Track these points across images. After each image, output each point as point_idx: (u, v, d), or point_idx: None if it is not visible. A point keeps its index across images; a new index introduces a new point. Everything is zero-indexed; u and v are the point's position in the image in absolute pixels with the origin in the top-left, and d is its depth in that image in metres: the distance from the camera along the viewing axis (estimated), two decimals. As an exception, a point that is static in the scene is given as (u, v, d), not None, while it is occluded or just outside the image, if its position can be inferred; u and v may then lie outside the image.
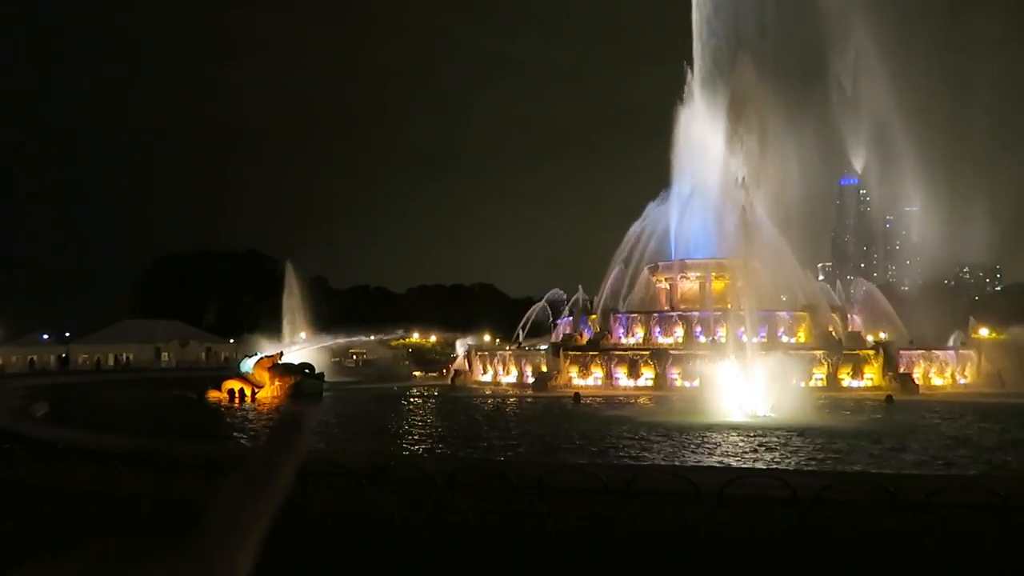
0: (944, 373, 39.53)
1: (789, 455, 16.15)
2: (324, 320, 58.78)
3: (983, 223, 56.62)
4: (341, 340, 55.29)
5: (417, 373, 54.99)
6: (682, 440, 18.69)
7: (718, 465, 14.81)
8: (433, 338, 71.72)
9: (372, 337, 63.57)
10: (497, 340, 60.13)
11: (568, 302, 50.30)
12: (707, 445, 17.79)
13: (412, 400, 35.41)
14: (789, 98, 50.16)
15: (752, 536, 7.78)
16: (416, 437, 20.14)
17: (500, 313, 75.63)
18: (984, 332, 49.35)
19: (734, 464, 14.99)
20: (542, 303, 52.82)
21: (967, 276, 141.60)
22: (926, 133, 54.89)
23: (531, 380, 40.94)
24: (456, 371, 48.47)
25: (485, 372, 46.39)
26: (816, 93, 55.39)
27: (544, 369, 41.53)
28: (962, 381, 39.20)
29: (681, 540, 7.77)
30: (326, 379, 40.05)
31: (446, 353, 58.90)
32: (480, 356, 47.86)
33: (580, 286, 50.36)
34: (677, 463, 15.09)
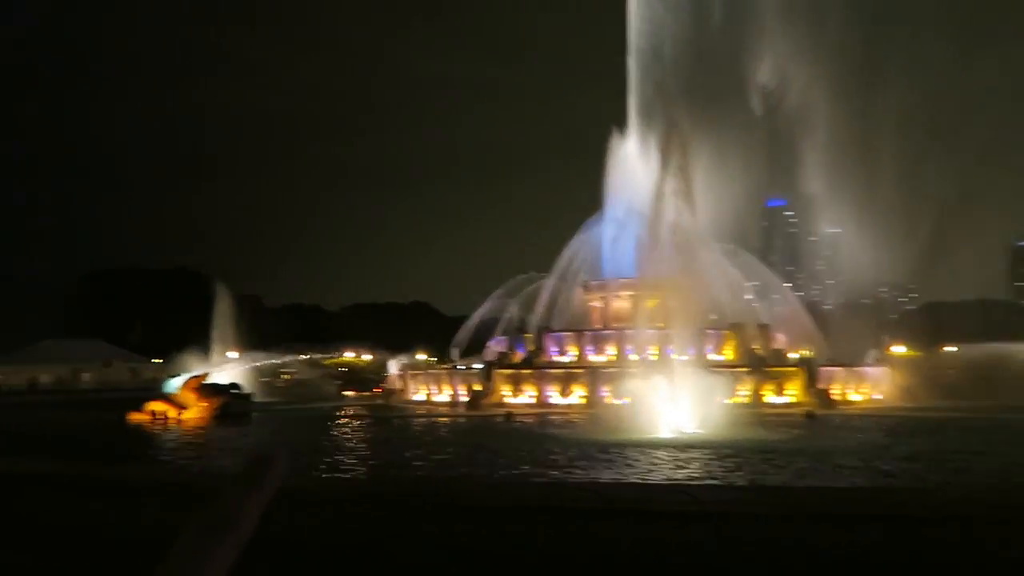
0: (861, 389, 41.13)
1: (712, 470, 16.59)
2: (256, 339, 57.57)
3: (901, 245, 59.23)
4: (270, 359, 54.29)
5: (349, 392, 54.27)
6: (610, 457, 19.01)
7: (639, 482, 15.13)
8: (367, 357, 70.96)
9: (303, 356, 62.57)
10: (432, 359, 59.92)
11: (502, 320, 50.62)
12: (632, 461, 18.12)
13: (339, 421, 34.99)
14: (719, 123, 51.84)
15: (672, 552, 8.01)
16: (334, 459, 19.86)
17: (435, 331, 75.45)
18: (898, 350, 51.68)
19: (655, 480, 15.33)
20: (476, 321, 52.99)
21: (884, 295, 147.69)
22: (849, 158, 57.29)
23: (464, 399, 40.94)
24: (389, 390, 48.10)
25: (418, 391, 46.16)
26: (744, 119, 57.27)
27: (477, 388, 41.58)
28: (877, 397, 40.84)
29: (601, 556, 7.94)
30: (254, 399, 39.21)
31: (381, 372, 58.40)
32: (413, 375, 47.63)
33: (514, 304, 50.75)
34: (601, 479, 15.34)
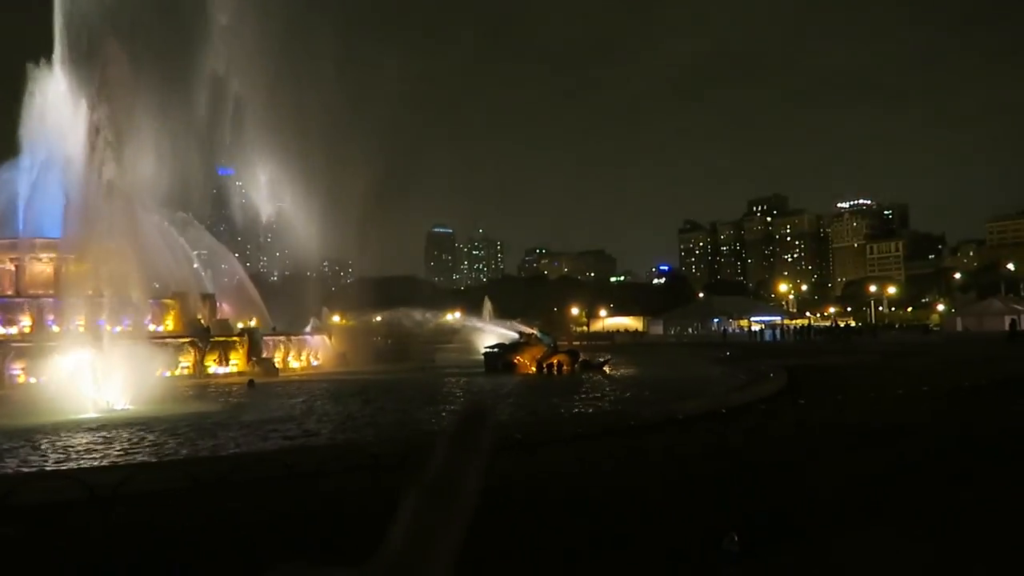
0: (301, 356, 43.56)
1: (130, 449, 15.54)
2: None
3: (340, 223, 64.28)
4: None
5: None
6: (30, 441, 16.34)
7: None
8: None
9: None
10: None
11: None
12: (38, 448, 15.87)
13: None
14: (166, 86, 48.55)
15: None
16: None
17: None
18: (336, 319, 56.27)
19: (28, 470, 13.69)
20: None
21: (326, 269, 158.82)
22: (299, 135, 59.62)
23: None
24: None
25: None
26: (196, 83, 54.85)
27: None
28: (315, 363, 43.80)
29: None
30: None
31: None
32: None
33: None
34: None
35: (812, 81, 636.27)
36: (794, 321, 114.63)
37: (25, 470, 13.36)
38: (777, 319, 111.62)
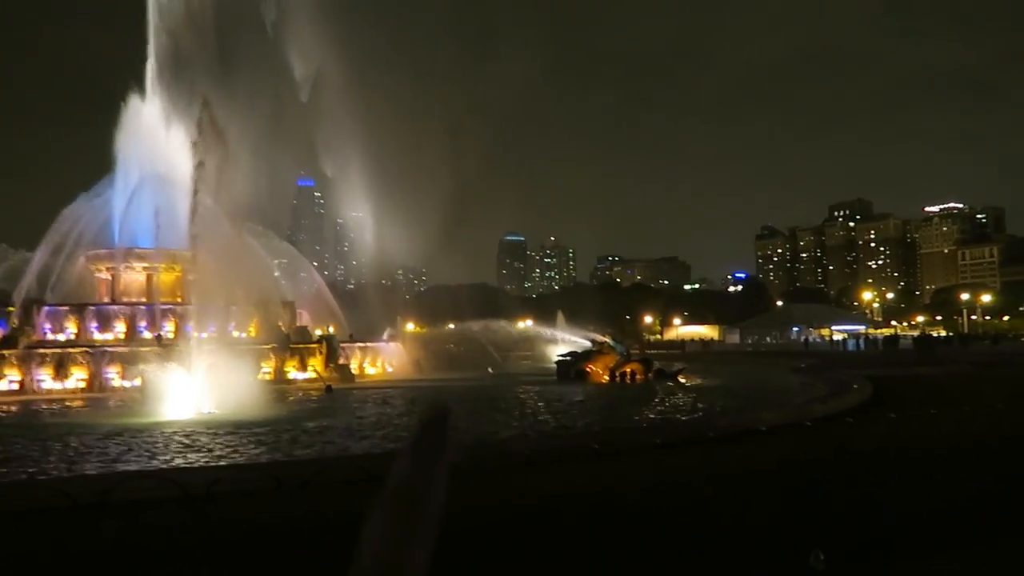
0: (376, 363, 44.40)
1: (217, 451, 16.11)
2: None
3: (415, 232, 65.41)
4: None
5: None
6: (126, 442, 17.19)
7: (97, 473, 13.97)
8: None
9: None
10: None
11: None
12: (131, 448, 16.64)
13: None
14: (252, 99, 50.44)
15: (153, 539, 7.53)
16: None
17: None
18: (410, 327, 57.21)
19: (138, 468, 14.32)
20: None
21: (400, 277, 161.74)
22: (375, 147, 61.06)
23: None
24: None
25: None
26: (274, 96, 56.88)
27: (-66, 374, 33.79)
28: (390, 370, 44.56)
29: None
30: None
31: None
32: None
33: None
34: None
35: (897, 80, 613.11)
36: (879, 330, 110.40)
37: (120, 468, 14.03)
38: (861, 328, 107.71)
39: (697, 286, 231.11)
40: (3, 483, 11.91)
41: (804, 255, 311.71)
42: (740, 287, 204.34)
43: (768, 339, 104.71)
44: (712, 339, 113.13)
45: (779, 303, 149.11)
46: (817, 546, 6.55)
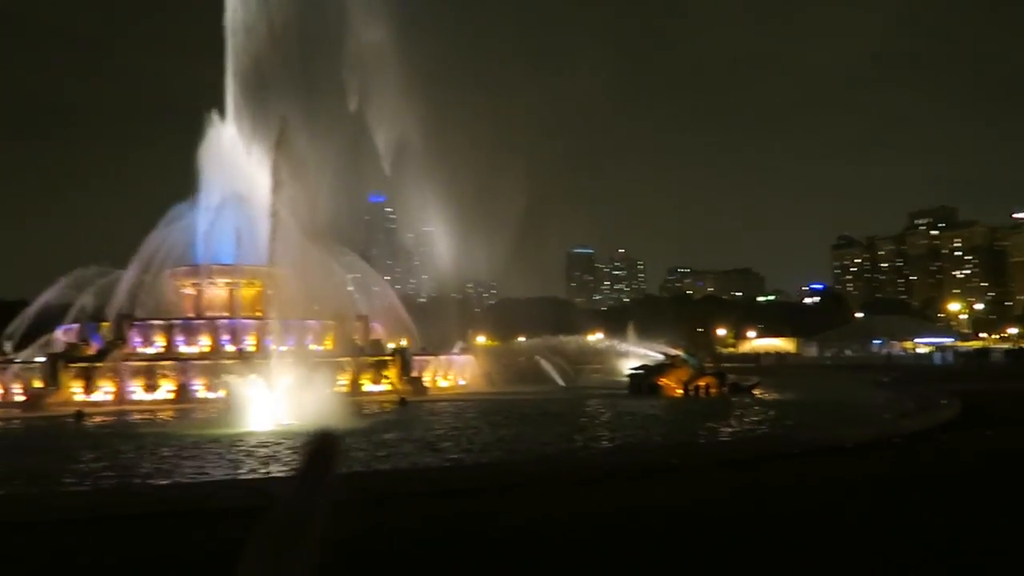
0: (448, 376, 44.84)
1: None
2: None
3: (485, 245, 65.98)
4: None
5: None
6: (213, 452, 17.85)
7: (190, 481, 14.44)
8: None
9: None
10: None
11: (73, 308, 44.20)
12: (219, 457, 17.24)
13: None
14: (322, 116, 51.95)
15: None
16: None
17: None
18: (481, 339, 57.59)
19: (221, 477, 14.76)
20: (38, 307, 45.51)
21: (471, 290, 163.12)
22: (446, 162, 61.99)
23: (21, 399, 34.95)
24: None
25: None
26: (348, 113, 58.40)
27: (38, 385, 35.76)
28: (462, 383, 44.93)
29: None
30: None
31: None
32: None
33: (88, 291, 44.70)
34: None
35: (981, 82, 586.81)
36: (968, 343, 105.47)
37: (206, 478, 14.55)
38: (948, 340, 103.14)
39: (772, 298, 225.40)
40: (112, 488, 12.49)
41: (884, 265, 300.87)
42: (817, 299, 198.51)
43: (848, 352, 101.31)
44: (788, 352, 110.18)
45: (858, 315, 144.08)
46: (915, 572, 6.30)
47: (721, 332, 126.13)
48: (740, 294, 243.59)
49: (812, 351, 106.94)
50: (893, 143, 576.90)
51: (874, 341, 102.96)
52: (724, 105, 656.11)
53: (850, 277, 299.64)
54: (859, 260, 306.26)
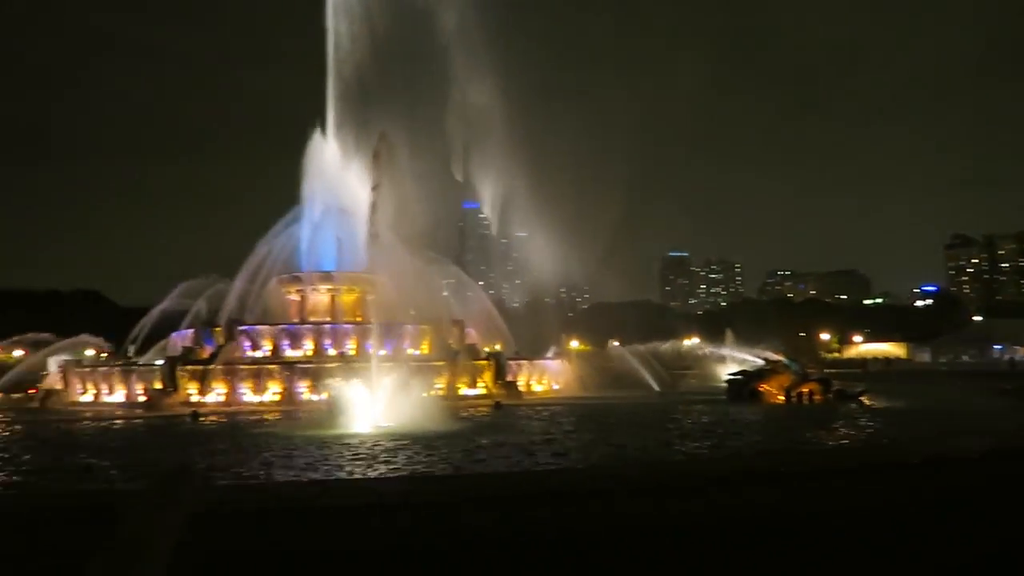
0: (542, 380, 44.96)
1: (399, 463, 16.88)
2: None
3: (578, 250, 65.93)
4: None
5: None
6: (320, 452, 18.57)
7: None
8: (19, 352, 61.11)
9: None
10: (103, 355, 53.35)
11: (189, 314, 46.87)
12: (325, 458, 17.86)
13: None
14: (419, 126, 53.29)
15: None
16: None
17: (107, 324, 67.17)
18: (574, 344, 57.45)
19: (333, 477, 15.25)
20: (157, 314, 48.47)
21: (564, 295, 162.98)
22: (536, 169, 62.45)
23: (142, 399, 37.29)
24: (47, 391, 42.02)
25: (85, 391, 41.00)
26: (444, 123, 59.73)
27: (158, 386, 38.07)
28: (556, 387, 44.96)
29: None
30: None
31: (40, 371, 50.64)
32: (79, 373, 42.14)
33: (202, 298, 47.33)
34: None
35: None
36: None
37: (314, 475, 15.14)
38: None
39: (879, 300, 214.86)
40: (247, 485, 13.20)
41: (1004, 265, 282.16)
42: (930, 301, 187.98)
43: (965, 358, 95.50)
44: (897, 357, 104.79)
45: (977, 318, 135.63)
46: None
47: (825, 337, 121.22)
48: (845, 297, 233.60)
49: (925, 357, 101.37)
50: (1009, 138, 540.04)
51: (994, 347, 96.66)
52: (827, 102, 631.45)
53: (966, 278, 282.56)
54: (976, 260, 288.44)
